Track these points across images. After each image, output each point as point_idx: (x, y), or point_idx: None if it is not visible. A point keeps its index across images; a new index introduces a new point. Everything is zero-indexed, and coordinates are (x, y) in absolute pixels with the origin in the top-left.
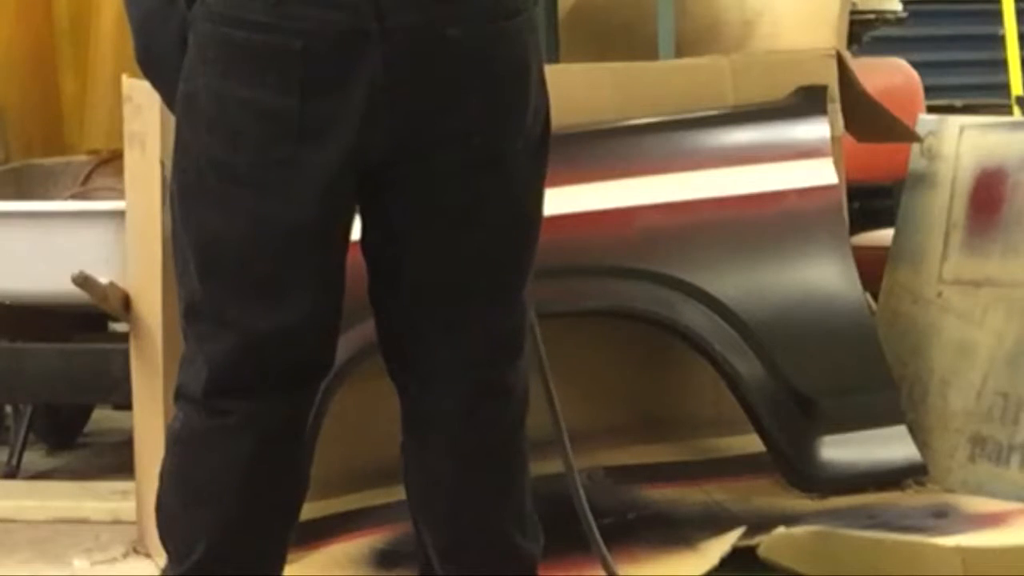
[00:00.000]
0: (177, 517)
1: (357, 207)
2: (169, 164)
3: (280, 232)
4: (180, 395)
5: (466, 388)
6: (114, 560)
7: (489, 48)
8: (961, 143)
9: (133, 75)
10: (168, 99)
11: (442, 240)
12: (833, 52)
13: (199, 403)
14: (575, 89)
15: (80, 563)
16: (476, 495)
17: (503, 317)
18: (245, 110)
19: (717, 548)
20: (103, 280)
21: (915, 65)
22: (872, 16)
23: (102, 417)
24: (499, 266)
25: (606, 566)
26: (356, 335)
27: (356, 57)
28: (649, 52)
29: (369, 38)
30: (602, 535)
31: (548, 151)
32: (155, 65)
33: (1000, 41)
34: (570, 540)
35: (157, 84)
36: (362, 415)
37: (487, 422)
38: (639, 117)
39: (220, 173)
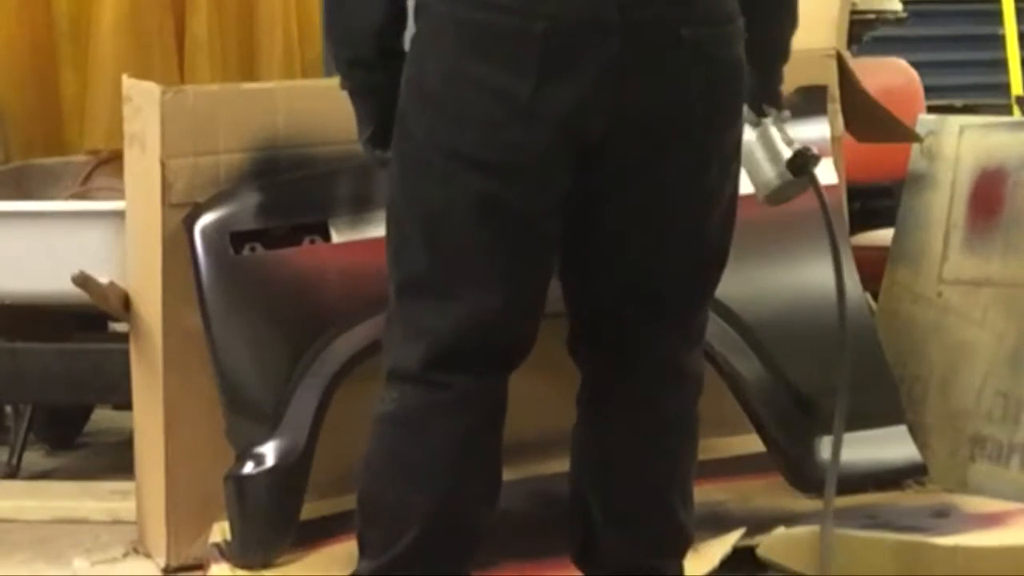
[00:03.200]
0: (386, 502)
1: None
2: (169, 164)
3: (504, 210)
4: (393, 376)
5: (652, 372)
6: (114, 560)
7: (715, 50)
8: (961, 143)
9: (133, 75)
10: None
11: (655, 231)
12: (833, 52)
13: (417, 378)
14: None
15: (80, 563)
16: (650, 470)
17: (699, 310)
18: (476, 89)
19: (717, 549)
20: (103, 280)
21: (915, 65)
22: (872, 16)
23: (102, 417)
24: (706, 259)
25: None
26: (357, 334)
27: (593, 45)
28: None
29: (608, 29)
30: None
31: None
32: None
33: (1000, 41)
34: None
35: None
36: (363, 415)
37: (667, 403)
38: None
39: (445, 152)
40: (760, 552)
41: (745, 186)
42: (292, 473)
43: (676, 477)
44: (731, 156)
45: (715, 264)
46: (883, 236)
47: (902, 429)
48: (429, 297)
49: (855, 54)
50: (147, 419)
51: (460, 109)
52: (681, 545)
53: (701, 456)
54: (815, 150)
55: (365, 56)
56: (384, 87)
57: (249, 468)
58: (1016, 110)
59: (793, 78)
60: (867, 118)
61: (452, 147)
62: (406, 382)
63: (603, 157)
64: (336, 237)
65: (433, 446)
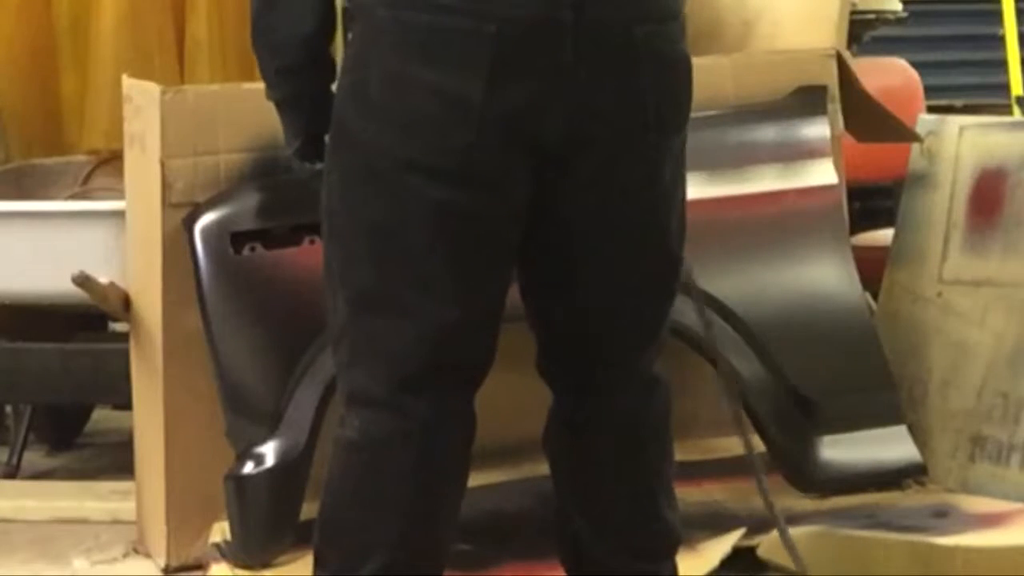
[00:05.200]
0: (349, 528)
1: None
2: (169, 164)
3: (460, 218)
4: (353, 400)
5: (621, 382)
6: (114, 560)
7: (665, 47)
8: (961, 143)
9: (133, 75)
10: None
11: (616, 237)
12: (833, 52)
13: (380, 403)
14: None
15: (80, 563)
16: (630, 479)
17: (662, 314)
18: (424, 94)
19: (717, 549)
20: (103, 280)
21: (915, 65)
22: (872, 16)
23: (102, 417)
24: (667, 264)
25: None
26: None
27: (546, 46)
28: None
29: (562, 28)
30: None
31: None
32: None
33: (1000, 41)
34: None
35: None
36: None
37: (639, 411)
38: None
39: (393, 161)
40: (760, 552)
41: (745, 186)
42: (292, 473)
43: (658, 479)
44: (680, 160)
45: (675, 269)
46: (883, 236)
47: (902, 429)
48: (384, 315)
49: (855, 54)
50: (147, 419)
51: (408, 116)
52: (672, 545)
53: (701, 456)
54: None
55: (294, 64)
56: (312, 97)
57: (249, 468)
58: (1016, 110)
59: (793, 78)
60: (867, 118)
61: (401, 156)
62: (368, 407)
63: (561, 161)
64: None
65: (399, 475)
